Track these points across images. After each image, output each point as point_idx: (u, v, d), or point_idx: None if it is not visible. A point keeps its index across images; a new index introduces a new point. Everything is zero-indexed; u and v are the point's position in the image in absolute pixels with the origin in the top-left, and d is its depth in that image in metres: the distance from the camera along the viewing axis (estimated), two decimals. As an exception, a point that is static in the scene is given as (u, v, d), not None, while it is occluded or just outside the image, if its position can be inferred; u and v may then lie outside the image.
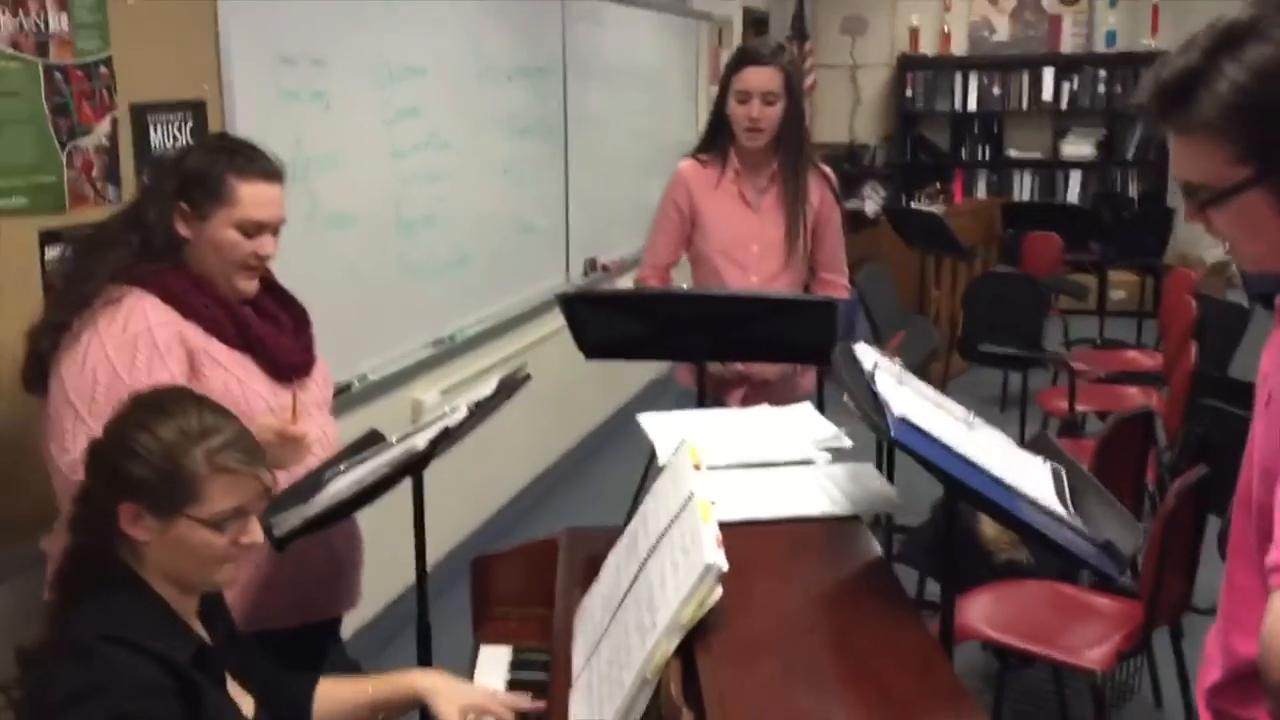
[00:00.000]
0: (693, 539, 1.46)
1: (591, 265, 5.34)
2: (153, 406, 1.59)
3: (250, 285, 2.05)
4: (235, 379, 2.00)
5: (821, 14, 9.27)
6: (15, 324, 2.07)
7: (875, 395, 1.54)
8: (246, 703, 1.68)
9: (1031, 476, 1.61)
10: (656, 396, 5.81)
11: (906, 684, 1.30)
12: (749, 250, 3.05)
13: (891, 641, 1.37)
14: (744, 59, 3.00)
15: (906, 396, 1.59)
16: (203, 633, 1.65)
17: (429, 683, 1.76)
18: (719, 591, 1.37)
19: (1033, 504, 1.48)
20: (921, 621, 1.42)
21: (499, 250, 4.44)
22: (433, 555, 3.81)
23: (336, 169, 3.31)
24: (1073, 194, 8.86)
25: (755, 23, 8.59)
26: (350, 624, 3.28)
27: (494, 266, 4.39)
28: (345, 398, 3.37)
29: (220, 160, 1.99)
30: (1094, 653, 2.63)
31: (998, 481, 1.47)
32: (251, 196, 1.99)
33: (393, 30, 3.56)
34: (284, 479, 1.99)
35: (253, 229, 1.99)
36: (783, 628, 1.44)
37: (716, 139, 3.09)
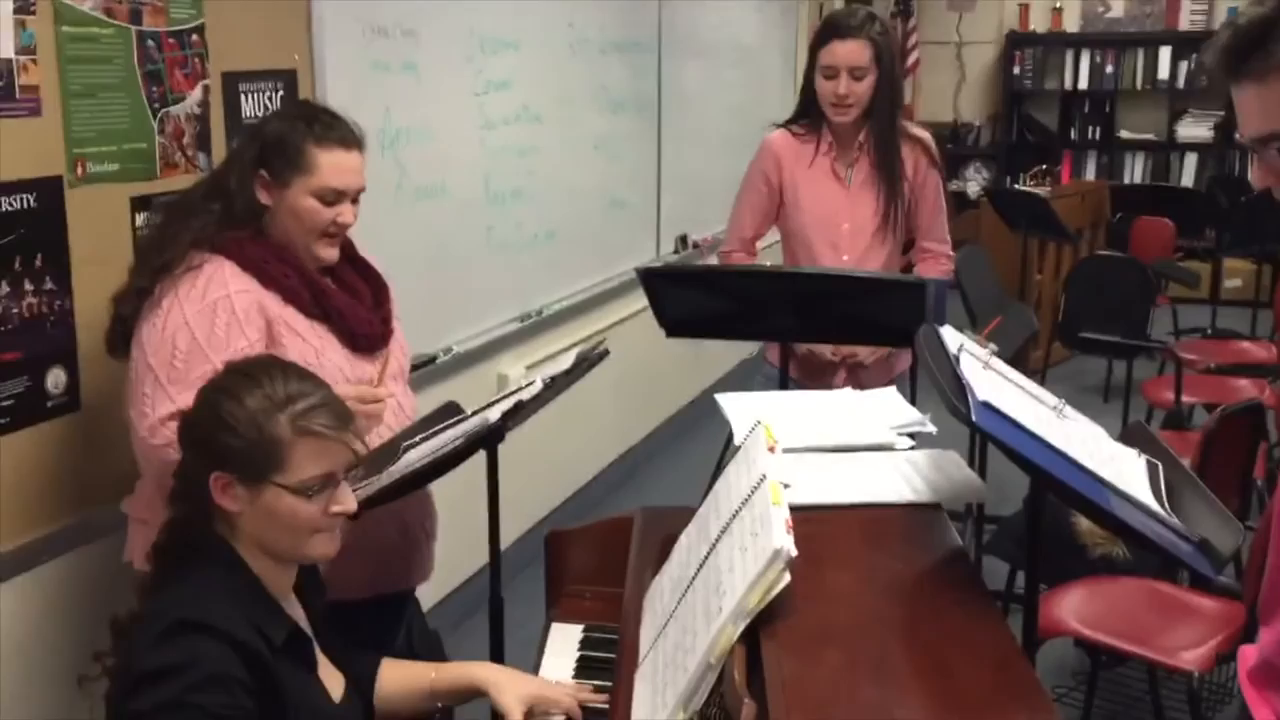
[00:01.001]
0: (762, 522, 1.41)
1: (683, 242, 5.28)
2: (242, 374, 1.60)
3: (331, 253, 2.05)
4: (312, 348, 2.00)
5: (928, -11, 9.05)
6: (108, 289, 2.09)
7: (959, 379, 1.47)
8: (337, 681, 1.67)
9: (1125, 469, 1.52)
10: (745, 378, 5.74)
11: (979, 680, 1.24)
12: (840, 228, 2.97)
13: (966, 636, 1.30)
14: (829, 32, 2.88)
15: (992, 381, 1.52)
16: (298, 610, 1.65)
17: (490, 675, 1.75)
18: (787, 577, 1.32)
19: (1124, 497, 1.40)
20: (1000, 616, 1.36)
21: (588, 225, 4.41)
22: (513, 531, 3.87)
23: (426, 141, 3.31)
24: (1187, 178, 8.52)
25: (858, -2, 8.42)
26: (429, 597, 3.30)
27: (583, 242, 4.36)
28: (430, 370, 3.39)
29: (299, 128, 2.00)
30: (1191, 654, 2.52)
31: (1086, 472, 1.40)
32: (330, 164, 1.99)
33: (485, 2, 3.55)
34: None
35: (332, 196, 2.00)
36: (852, 617, 1.39)
37: (808, 110, 2.99)
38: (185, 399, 1.72)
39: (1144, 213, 6.99)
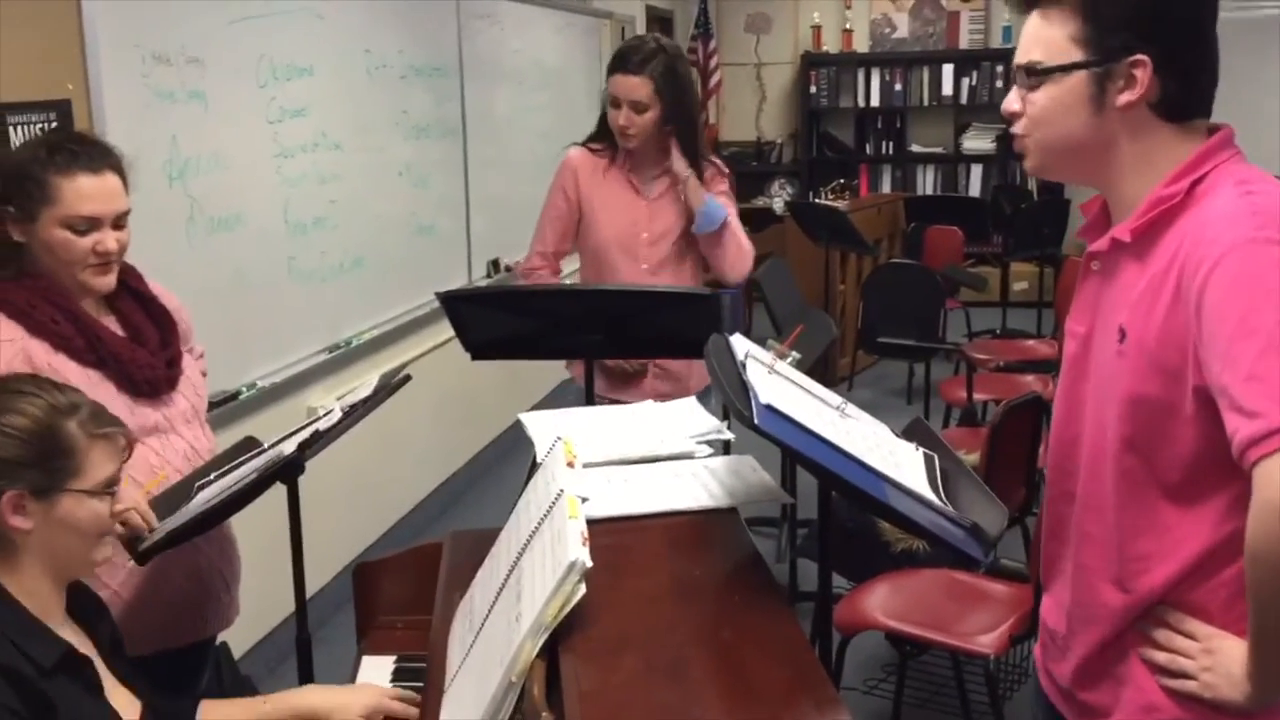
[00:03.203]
0: (559, 537, 1.42)
1: (495, 266, 5.28)
2: (8, 391, 1.58)
3: (102, 281, 1.95)
4: None
5: (725, 12, 9.31)
6: None
7: (744, 384, 1.52)
8: (132, 706, 1.61)
9: (904, 463, 1.61)
10: (561, 398, 5.77)
11: (772, 677, 1.28)
12: (638, 238, 3.05)
13: (760, 635, 1.35)
14: (615, 64, 2.99)
15: (776, 385, 1.57)
16: (76, 633, 1.60)
17: (323, 698, 1.74)
18: (583, 589, 1.34)
19: (900, 489, 1.47)
20: (792, 615, 1.41)
21: (396, 253, 4.36)
22: (329, 568, 3.78)
23: (218, 170, 3.22)
24: (974, 188, 9.02)
25: (659, 20, 8.60)
26: (242, 642, 3.20)
27: (392, 269, 4.31)
28: (234, 406, 3.29)
29: (39, 157, 1.90)
30: (987, 638, 2.66)
31: (865, 467, 1.46)
32: (74, 192, 1.89)
33: (275, 28, 3.48)
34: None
35: (84, 225, 1.90)
36: (650, 624, 1.42)
37: (606, 130, 3.08)
38: None
39: (936, 222, 7.36)
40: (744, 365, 1.60)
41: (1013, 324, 7.23)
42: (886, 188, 9.06)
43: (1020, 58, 1.46)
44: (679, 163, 2.99)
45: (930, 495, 1.51)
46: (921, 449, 1.66)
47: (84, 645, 1.60)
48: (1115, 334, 1.40)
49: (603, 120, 3.09)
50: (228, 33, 3.25)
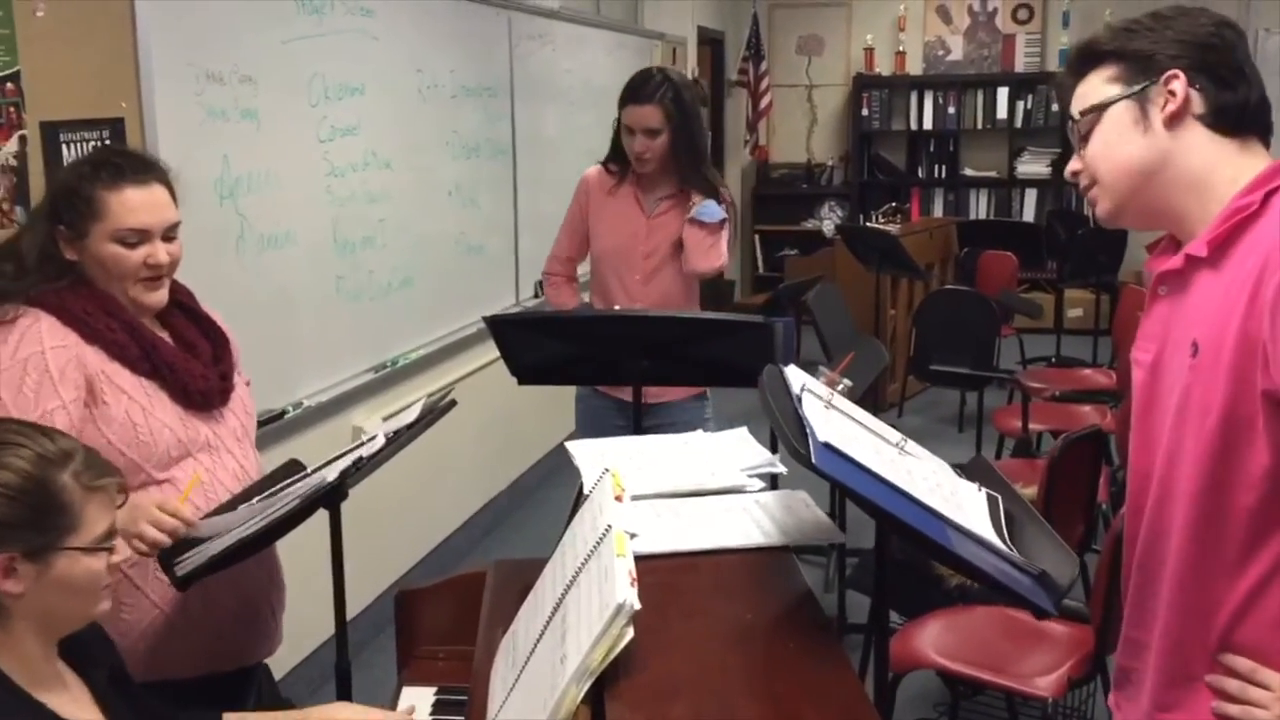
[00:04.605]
0: (606, 575, 1.37)
1: (542, 286, 5.24)
2: None
3: (154, 297, 1.95)
4: (139, 406, 1.90)
5: (777, 34, 9.27)
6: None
7: (800, 420, 1.47)
8: None
9: (966, 504, 1.54)
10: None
11: (827, 730, 1.22)
12: (635, 250, 3.22)
13: (813, 685, 1.28)
14: (627, 96, 3.21)
15: (834, 421, 1.51)
16: (64, 689, 1.49)
17: (352, 714, 1.71)
18: (630, 633, 1.28)
19: (964, 533, 1.41)
20: (847, 663, 1.34)
21: (445, 272, 4.35)
22: (369, 593, 3.76)
23: (269, 189, 3.22)
24: (1028, 212, 8.88)
25: (710, 42, 8.57)
26: (282, 665, 3.17)
27: (439, 289, 4.30)
28: (280, 425, 3.27)
29: (85, 173, 1.90)
30: (1045, 680, 2.57)
31: (927, 509, 1.40)
32: (122, 205, 1.88)
33: (327, 48, 3.48)
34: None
35: (133, 238, 1.89)
36: (699, 670, 1.36)
37: (619, 151, 3.28)
38: None
39: (988, 247, 7.25)
40: (800, 400, 1.54)
41: (1067, 351, 7.10)
42: (939, 212, 8.96)
43: (1070, 112, 1.53)
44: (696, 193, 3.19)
45: (995, 540, 1.44)
46: (985, 490, 1.59)
47: (77, 696, 1.51)
48: (1188, 349, 1.37)
49: (615, 142, 3.30)
50: (280, 52, 3.26)
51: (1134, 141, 1.43)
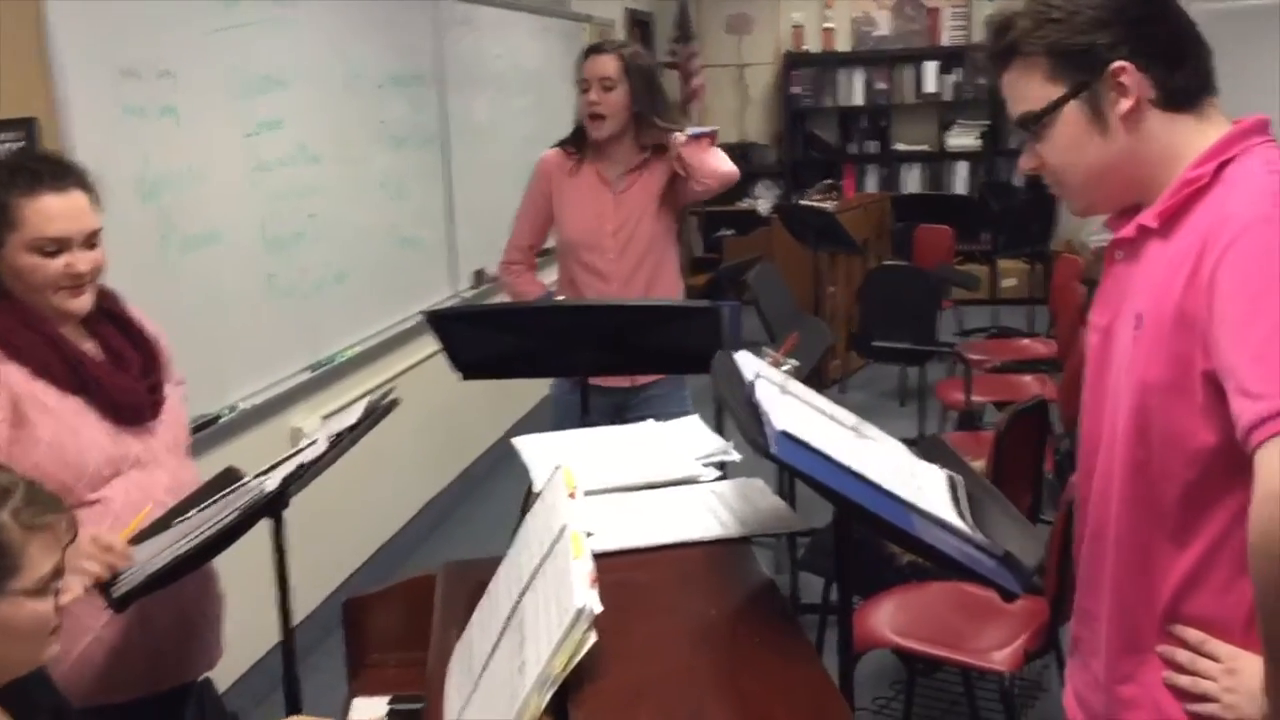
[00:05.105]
0: (563, 578, 1.33)
1: (479, 277, 5.17)
2: None
3: (77, 303, 1.86)
4: (67, 427, 1.81)
5: (706, 14, 9.23)
6: None
7: (755, 408, 1.43)
8: None
9: (926, 486, 1.51)
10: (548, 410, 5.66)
11: (799, 727, 1.19)
12: (603, 230, 3.16)
13: (782, 683, 1.25)
14: (585, 53, 3.22)
15: (790, 407, 1.48)
16: None
17: None
18: (593, 637, 1.24)
19: (927, 517, 1.38)
20: (815, 657, 1.31)
21: (379, 266, 4.26)
22: (312, 598, 3.67)
23: (192, 187, 3.11)
24: (959, 185, 8.95)
25: (638, 24, 8.51)
26: (226, 676, 3.08)
27: (374, 283, 4.20)
28: (214, 430, 3.18)
29: (1, 181, 1.80)
30: (1001, 654, 2.57)
31: (890, 496, 1.37)
32: (39, 213, 1.80)
33: (247, 39, 3.37)
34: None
35: (52, 247, 1.81)
36: (664, 672, 1.32)
37: (580, 135, 3.23)
38: None
39: (923, 220, 7.28)
40: (754, 387, 1.50)
41: (1004, 321, 7.17)
42: (872, 187, 8.98)
43: (1012, 114, 1.44)
44: (668, 135, 3.12)
45: (958, 522, 1.42)
46: (944, 470, 1.57)
47: None
48: (1133, 321, 1.36)
49: (578, 127, 3.24)
50: (199, 45, 3.14)
51: (1092, 144, 1.37)
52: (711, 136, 3.13)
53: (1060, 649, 2.87)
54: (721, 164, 3.14)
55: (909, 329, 5.05)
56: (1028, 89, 1.39)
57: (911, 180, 9.07)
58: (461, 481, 5.06)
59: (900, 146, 9.05)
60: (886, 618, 2.75)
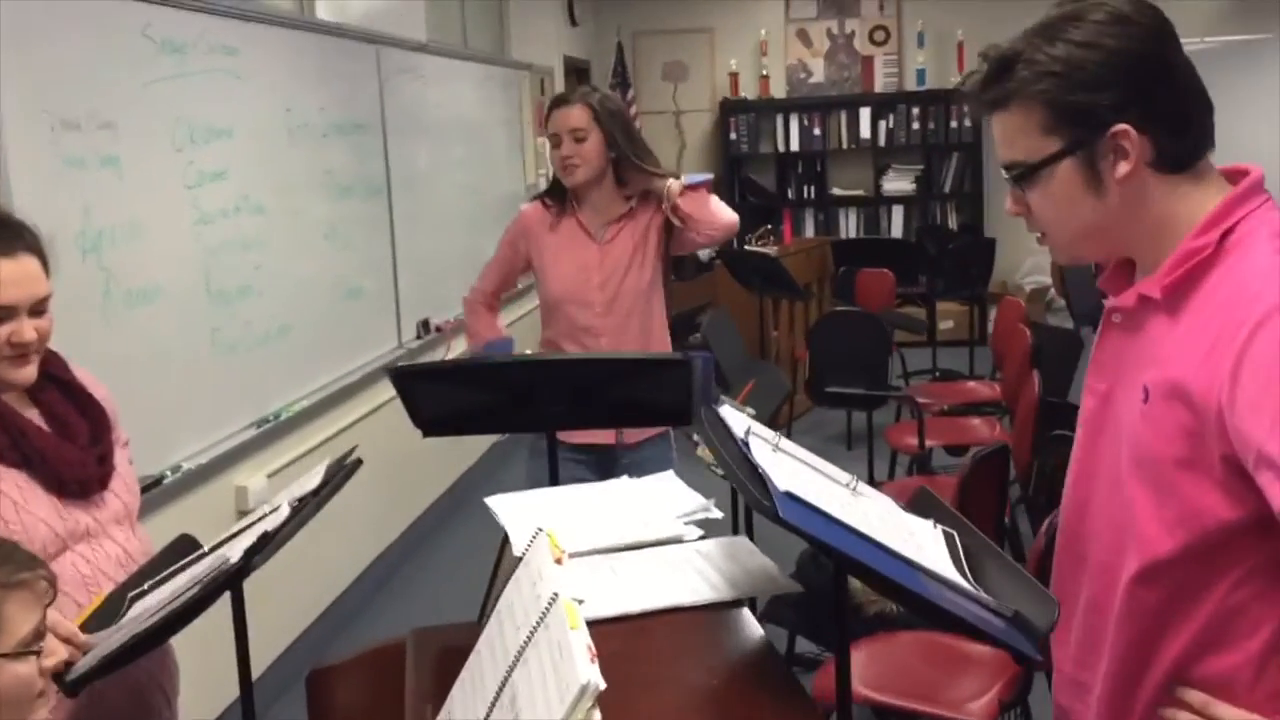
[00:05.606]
0: (561, 651, 1.26)
1: (425, 327, 5.09)
2: None
3: (21, 374, 1.75)
4: (10, 501, 1.70)
5: (642, 61, 9.28)
6: None
7: (753, 467, 1.38)
8: None
9: (925, 543, 1.47)
10: (505, 457, 5.58)
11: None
12: (589, 283, 3.05)
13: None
14: (551, 105, 3.14)
15: (786, 466, 1.44)
16: None
17: None
18: (597, 715, 1.17)
19: (934, 578, 1.34)
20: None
21: (324, 318, 4.16)
22: (265, 659, 3.53)
23: (134, 240, 3.02)
24: (896, 229, 9.05)
25: (576, 71, 8.53)
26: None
27: (319, 336, 4.11)
28: (158, 492, 3.06)
29: None
30: (976, 704, 2.53)
31: (896, 556, 1.33)
32: None
33: (190, 89, 3.29)
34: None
35: None
36: (673, 749, 1.26)
37: (558, 187, 3.14)
38: None
39: (862, 264, 7.34)
40: (747, 445, 1.46)
41: (943, 363, 7.22)
42: (810, 232, 9.06)
43: (1001, 157, 1.38)
44: (658, 182, 3.05)
45: (962, 582, 1.38)
46: (940, 526, 1.53)
47: None
48: (1139, 393, 1.32)
49: (555, 180, 3.16)
50: (141, 95, 3.06)
51: (1086, 202, 1.32)
52: (707, 184, 3.06)
53: (1027, 704, 2.85)
54: (723, 213, 3.09)
55: (861, 374, 5.06)
56: (1022, 137, 1.34)
57: (849, 224, 9.16)
58: (414, 530, 4.96)
59: (837, 191, 9.14)
60: (858, 671, 2.70)
